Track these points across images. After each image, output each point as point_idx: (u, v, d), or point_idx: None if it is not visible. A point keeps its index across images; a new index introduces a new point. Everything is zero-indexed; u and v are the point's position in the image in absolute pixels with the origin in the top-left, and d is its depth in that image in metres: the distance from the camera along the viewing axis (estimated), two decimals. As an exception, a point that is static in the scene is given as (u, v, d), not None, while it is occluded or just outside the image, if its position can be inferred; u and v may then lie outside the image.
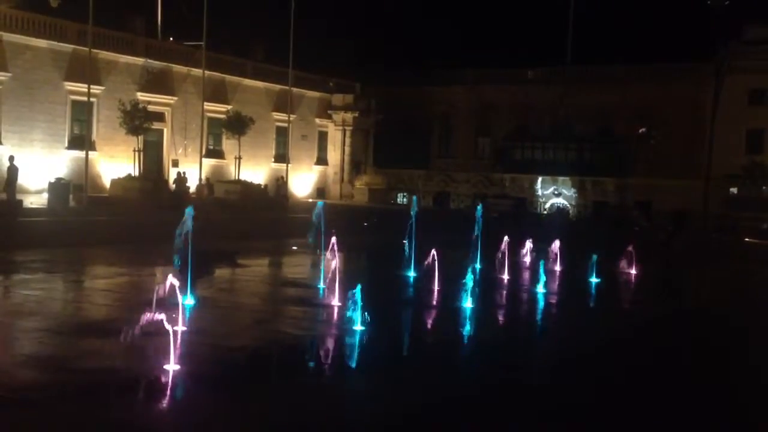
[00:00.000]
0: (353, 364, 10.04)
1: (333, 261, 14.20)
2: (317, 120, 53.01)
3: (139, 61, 40.03)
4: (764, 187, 48.04)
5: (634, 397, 9.04)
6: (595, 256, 18.39)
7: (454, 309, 13.71)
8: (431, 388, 8.92)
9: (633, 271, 20.44)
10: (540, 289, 16.35)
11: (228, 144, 43.87)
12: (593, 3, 53.98)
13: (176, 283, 10.11)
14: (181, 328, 10.38)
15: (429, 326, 13.39)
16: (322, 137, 53.84)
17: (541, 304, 15.77)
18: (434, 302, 15.06)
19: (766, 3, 45.56)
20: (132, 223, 27.32)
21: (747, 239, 38.08)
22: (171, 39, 43.60)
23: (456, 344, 11.64)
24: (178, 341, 9.47)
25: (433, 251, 16.12)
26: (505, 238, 18.90)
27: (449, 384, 9.21)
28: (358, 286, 11.17)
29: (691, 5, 48.39)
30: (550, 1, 58.67)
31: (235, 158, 42.14)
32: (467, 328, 12.83)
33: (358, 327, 11.23)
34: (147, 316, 9.19)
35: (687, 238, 31.70)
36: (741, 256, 28.92)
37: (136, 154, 36.00)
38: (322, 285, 15.05)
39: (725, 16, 45.08)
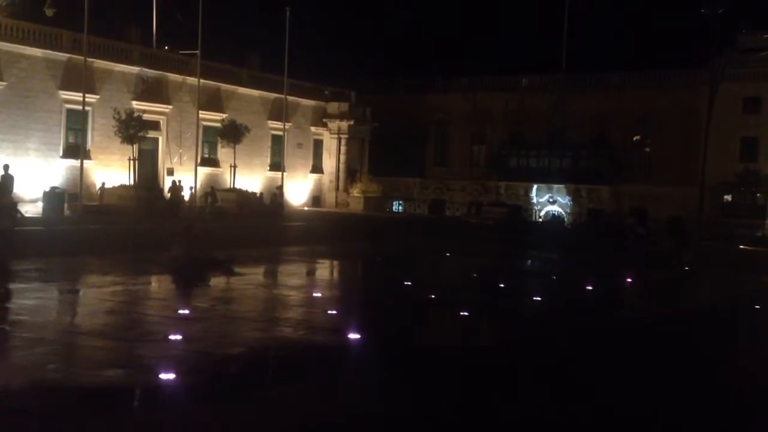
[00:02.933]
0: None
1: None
2: (312, 128, 53.01)
3: (134, 69, 40.02)
4: (758, 195, 48.24)
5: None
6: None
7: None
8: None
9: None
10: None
11: (223, 152, 43.86)
12: (588, 11, 54.21)
13: (172, 291, 10.09)
14: (176, 336, 10.35)
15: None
16: (318, 145, 53.83)
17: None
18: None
19: (760, 12, 45.81)
20: (127, 232, 27.27)
21: (741, 246, 38.20)
22: (166, 47, 43.63)
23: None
24: (174, 350, 9.44)
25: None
26: None
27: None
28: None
29: (685, 13, 48.68)
30: (545, 9, 58.92)
31: (231, 166, 42.15)
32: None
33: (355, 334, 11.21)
34: (142, 325, 9.17)
35: (692, 249, 31.67)
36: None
37: (131, 162, 35.96)
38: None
39: (720, 25, 45.28)
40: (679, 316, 16.00)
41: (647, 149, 53.06)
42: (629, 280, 20.43)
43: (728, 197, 49.09)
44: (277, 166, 47.80)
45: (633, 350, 12.15)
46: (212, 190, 40.58)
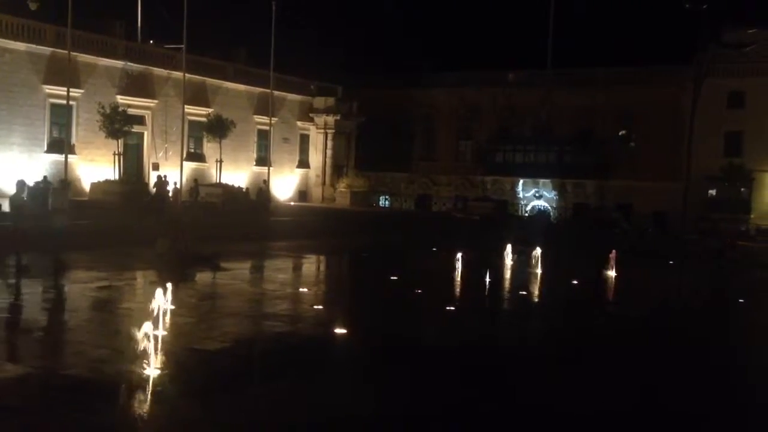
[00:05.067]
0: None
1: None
2: (299, 123, 52.86)
3: (119, 63, 39.73)
4: (743, 189, 48.51)
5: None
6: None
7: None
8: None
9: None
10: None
11: (209, 147, 43.65)
12: (574, 6, 54.29)
13: (156, 287, 10.04)
14: (161, 332, 10.30)
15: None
16: (304, 140, 53.69)
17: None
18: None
19: (744, 7, 46.05)
20: (112, 227, 27.08)
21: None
22: (151, 41, 43.32)
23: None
24: (158, 345, 9.39)
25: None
26: None
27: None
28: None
29: (671, 9, 48.80)
30: (531, 4, 58.96)
31: (216, 161, 41.95)
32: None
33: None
34: (126, 320, 9.12)
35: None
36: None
37: (116, 157, 35.73)
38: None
39: (704, 20, 45.47)
40: None
41: (632, 144, 53.22)
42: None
43: (713, 192, 49.32)
44: (263, 161, 47.63)
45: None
46: (195, 184, 40.30)
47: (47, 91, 36.06)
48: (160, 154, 41.43)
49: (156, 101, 41.61)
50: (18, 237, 16.78)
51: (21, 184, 17.83)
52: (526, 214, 53.28)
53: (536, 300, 16.95)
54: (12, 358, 9.63)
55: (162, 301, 10.51)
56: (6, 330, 11.07)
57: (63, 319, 12.53)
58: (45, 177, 29.19)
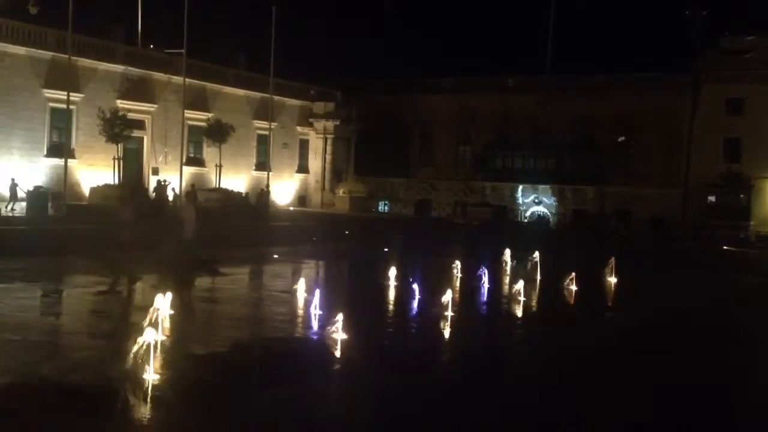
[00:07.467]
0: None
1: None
2: (298, 128, 52.94)
3: (119, 68, 39.80)
4: (741, 196, 48.54)
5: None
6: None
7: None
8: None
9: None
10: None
11: (208, 152, 43.70)
12: (573, 13, 54.43)
13: (155, 291, 10.07)
14: (161, 337, 10.32)
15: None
16: (303, 145, 53.77)
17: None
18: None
19: (742, 14, 46.21)
20: (111, 232, 27.04)
21: (725, 247, 38.51)
22: (151, 46, 43.41)
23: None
24: (158, 350, 9.42)
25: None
26: None
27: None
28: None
29: (669, 16, 49.01)
30: (530, 11, 59.11)
31: (216, 166, 42.00)
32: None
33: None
34: (126, 326, 9.14)
35: None
36: None
37: (116, 162, 35.77)
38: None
39: (703, 27, 45.61)
40: None
41: (631, 150, 53.26)
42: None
43: (712, 198, 49.34)
44: (262, 165, 47.70)
45: None
46: (192, 189, 40.28)
47: (47, 95, 36.11)
48: (160, 159, 41.48)
49: (156, 106, 41.67)
50: None
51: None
52: (526, 220, 53.35)
53: (531, 308, 16.95)
54: (6, 363, 9.63)
55: (162, 305, 10.53)
56: None
57: (61, 323, 12.54)
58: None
